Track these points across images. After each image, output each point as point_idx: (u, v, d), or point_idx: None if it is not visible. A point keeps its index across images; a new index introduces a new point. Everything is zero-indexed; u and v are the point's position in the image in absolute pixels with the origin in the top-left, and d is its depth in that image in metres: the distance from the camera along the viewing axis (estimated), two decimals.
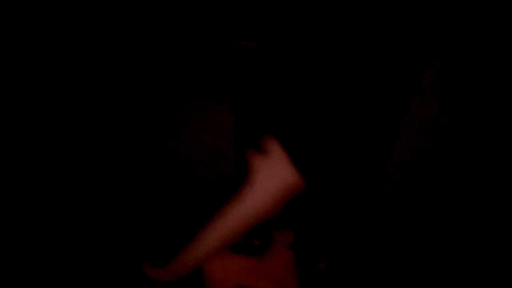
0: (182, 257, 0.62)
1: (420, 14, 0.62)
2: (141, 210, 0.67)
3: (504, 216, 0.61)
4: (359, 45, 0.63)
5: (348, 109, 0.66)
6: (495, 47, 0.61)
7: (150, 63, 0.65)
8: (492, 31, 0.61)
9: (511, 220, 0.61)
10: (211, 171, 0.66)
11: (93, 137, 0.65)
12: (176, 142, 0.66)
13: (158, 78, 0.66)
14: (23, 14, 0.63)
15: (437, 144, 0.65)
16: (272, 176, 0.60)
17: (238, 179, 0.62)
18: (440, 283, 0.65)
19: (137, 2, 0.64)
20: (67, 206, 0.65)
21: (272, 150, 0.61)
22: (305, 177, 0.61)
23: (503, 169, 0.62)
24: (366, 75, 0.65)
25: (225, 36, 0.65)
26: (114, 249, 0.66)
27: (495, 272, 0.61)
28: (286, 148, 0.63)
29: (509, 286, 0.60)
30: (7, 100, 0.63)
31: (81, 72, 0.64)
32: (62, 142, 0.64)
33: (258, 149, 0.63)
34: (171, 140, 0.66)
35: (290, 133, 0.65)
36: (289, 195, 0.60)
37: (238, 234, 0.61)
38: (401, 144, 0.67)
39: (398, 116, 0.66)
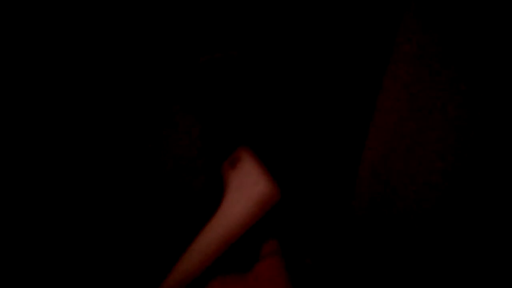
0: (168, 281, 0.61)
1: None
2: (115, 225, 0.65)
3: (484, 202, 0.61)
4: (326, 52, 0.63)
5: (319, 113, 0.66)
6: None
7: (120, 78, 0.64)
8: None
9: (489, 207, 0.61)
10: (183, 185, 0.65)
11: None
12: (147, 157, 0.65)
13: (127, 94, 0.65)
14: (23, 14, 0.62)
15: (404, 145, 0.65)
16: (246, 190, 0.59)
17: (212, 193, 0.62)
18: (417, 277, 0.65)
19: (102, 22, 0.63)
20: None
21: (245, 162, 0.61)
22: (281, 186, 0.61)
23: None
24: (334, 78, 0.65)
25: (190, 51, 0.64)
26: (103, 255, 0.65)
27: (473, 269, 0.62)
28: (260, 158, 0.62)
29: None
30: (7, 100, 0.62)
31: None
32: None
33: (231, 162, 0.63)
34: (142, 155, 0.65)
35: (264, 142, 0.64)
36: (265, 206, 0.60)
37: (221, 248, 0.61)
38: (371, 144, 0.67)
39: (367, 115, 0.66)
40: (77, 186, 0.63)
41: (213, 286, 0.59)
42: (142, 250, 0.65)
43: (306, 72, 0.66)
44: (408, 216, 0.65)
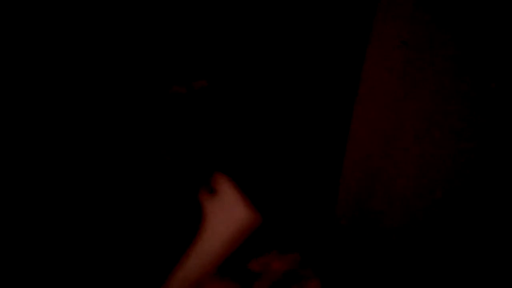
0: None
1: None
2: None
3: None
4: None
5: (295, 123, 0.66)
6: None
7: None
8: None
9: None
10: (161, 214, 0.65)
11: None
12: (125, 188, 0.64)
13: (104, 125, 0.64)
14: (23, 14, 0.62)
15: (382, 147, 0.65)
16: (225, 218, 0.59)
17: (191, 222, 0.61)
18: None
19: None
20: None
21: (223, 190, 0.60)
22: (261, 211, 0.61)
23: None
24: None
25: (158, 83, 0.63)
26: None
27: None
28: (238, 184, 0.62)
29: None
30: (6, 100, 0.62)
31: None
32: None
33: (209, 190, 0.62)
34: (119, 186, 0.64)
35: (240, 169, 0.64)
36: (245, 232, 0.60)
37: (203, 274, 0.61)
38: (352, 147, 0.67)
39: (345, 123, 0.66)
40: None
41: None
42: (123, 273, 0.64)
43: (278, 92, 0.66)
44: (391, 222, 0.66)
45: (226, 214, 0.59)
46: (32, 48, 0.63)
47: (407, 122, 0.63)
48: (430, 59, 0.60)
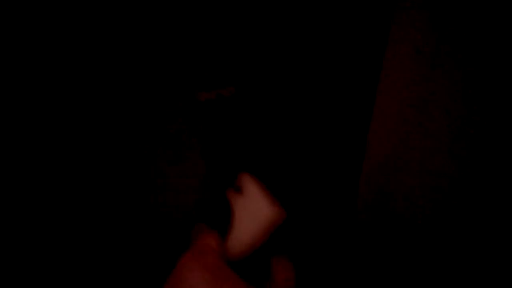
0: None
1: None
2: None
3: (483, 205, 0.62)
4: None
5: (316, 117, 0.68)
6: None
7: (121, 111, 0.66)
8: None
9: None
10: (188, 219, 0.68)
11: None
12: (153, 192, 0.68)
13: (130, 130, 0.68)
14: (23, 14, 0.63)
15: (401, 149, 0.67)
16: (252, 214, 0.62)
17: (218, 220, 0.64)
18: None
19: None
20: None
21: (248, 188, 0.64)
22: (285, 207, 0.64)
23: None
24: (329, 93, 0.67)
25: (187, 89, 0.67)
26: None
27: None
28: (263, 182, 0.65)
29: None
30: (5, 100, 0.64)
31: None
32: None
33: (236, 189, 0.66)
34: (148, 189, 0.68)
35: (265, 166, 0.67)
36: (271, 227, 0.63)
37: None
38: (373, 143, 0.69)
39: (365, 118, 0.68)
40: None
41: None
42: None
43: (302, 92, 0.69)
44: (411, 218, 0.67)
45: (252, 211, 0.63)
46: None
47: (426, 122, 0.65)
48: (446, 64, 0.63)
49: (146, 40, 0.67)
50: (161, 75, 0.68)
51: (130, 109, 0.67)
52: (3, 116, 0.65)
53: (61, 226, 0.65)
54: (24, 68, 0.65)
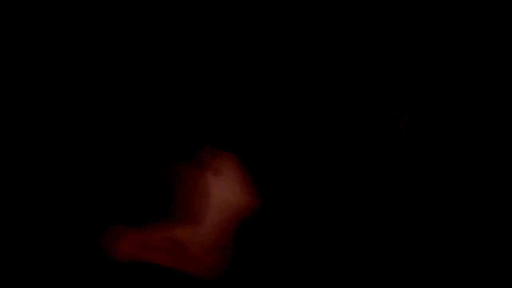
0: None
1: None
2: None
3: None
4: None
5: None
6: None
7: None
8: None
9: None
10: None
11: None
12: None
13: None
14: (23, 14, 0.63)
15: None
16: (225, 198, 0.59)
17: (189, 200, 0.62)
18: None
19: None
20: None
21: (226, 169, 0.61)
22: (264, 195, 0.60)
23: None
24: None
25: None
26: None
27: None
28: (245, 165, 0.62)
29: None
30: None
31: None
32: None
33: (215, 169, 0.63)
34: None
35: (248, 149, 0.63)
36: (242, 216, 0.59)
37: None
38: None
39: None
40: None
41: None
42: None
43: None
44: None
45: (226, 195, 0.60)
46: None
47: None
48: None
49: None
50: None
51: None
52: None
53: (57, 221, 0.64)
54: (24, 68, 0.64)
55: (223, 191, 0.60)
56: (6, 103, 0.63)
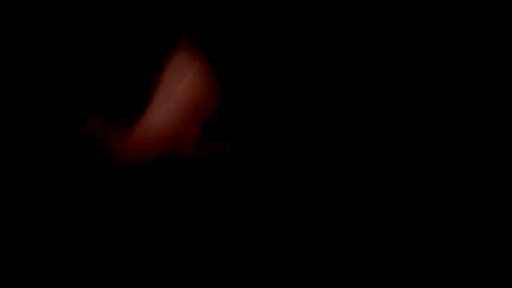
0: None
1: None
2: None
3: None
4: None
5: None
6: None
7: None
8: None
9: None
10: None
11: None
12: None
13: None
14: (23, 14, 0.63)
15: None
16: (179, 78, 0.54)
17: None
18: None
19: None
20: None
21: (184, 50, 0.56)
22: (224, 84, 0.55)
23: None
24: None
25: None
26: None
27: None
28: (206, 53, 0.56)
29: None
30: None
31: None
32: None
33: (172, 50, 0.57)
34: None
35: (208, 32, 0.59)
36: (196, 112, 0.54)
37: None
38: None
39: None
40: None
41: None
42: None
43: None
44: None
45: (179, 87, 0.55)
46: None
47: None
48: None
49: None
50: None
51: None
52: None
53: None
54: (24, 67, 0.64)
55: (181, 84, 0.56)
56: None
